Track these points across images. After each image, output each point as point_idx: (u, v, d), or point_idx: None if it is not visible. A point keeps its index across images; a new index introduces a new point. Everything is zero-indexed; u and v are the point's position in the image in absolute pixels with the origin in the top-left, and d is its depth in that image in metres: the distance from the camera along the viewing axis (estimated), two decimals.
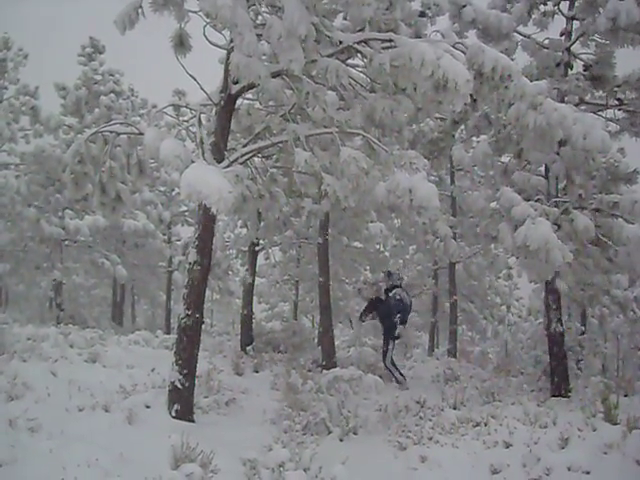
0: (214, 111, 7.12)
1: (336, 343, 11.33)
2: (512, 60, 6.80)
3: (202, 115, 6.93)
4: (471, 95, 5.71)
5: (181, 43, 6.10)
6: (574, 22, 8.83)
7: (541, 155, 8.51)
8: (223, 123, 6.79)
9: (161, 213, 19.01)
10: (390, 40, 6.04)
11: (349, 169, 5.73)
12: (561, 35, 8.97)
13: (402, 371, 9.88)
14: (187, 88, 17.29)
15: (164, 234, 19.59)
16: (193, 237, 6.91)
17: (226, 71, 6.56)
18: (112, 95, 18.10)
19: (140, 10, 5.95)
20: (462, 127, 10.73)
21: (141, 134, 6.57)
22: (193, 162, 5.43)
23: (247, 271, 12.39)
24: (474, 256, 16.25)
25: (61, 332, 10.33)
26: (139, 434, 5.83)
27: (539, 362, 10.40)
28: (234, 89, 6.67)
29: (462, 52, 5.85)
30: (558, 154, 8.35)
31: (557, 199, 8.54)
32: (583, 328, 12.64)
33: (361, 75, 6.81)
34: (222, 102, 6.78)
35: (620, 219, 8.24)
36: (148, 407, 6.59)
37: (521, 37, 9.17)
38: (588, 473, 5.28)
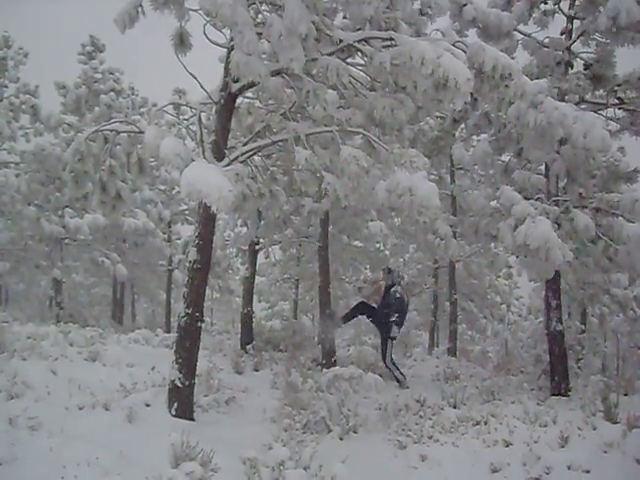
0: (214, 110, 7.11)
1: (336, 342, 11.32)
2: (512, 59, 6.81)
3: (202, 114, 6.93)
4: (471, 94, 5.71)
5: (181, 42, 6.08)
6: (574, 21, 8.84)
7: (541, 154, 8.51)
8: (223, 122, 6.78)
9: (161, 212, 19.01)
10: (390, 39, 6.03)
11: (349, 168, 5.73)
12: (561, 34, 8.97)
13: (402, 370, 9.83)
14: (187, 87, 17.41)
15: (164, 233, 19.58)
16: (193, 236, 6.91)
17: (226, 70, 6.55)
18: (112, 94, 18.06)
19: (140, 8, 5.95)
20: (462, 126, 10.76)
21: (141, 133, 6.56)
22: (193, 161, 5.42)
23: (247, 270, 12.39)
24: (474, 255, 16.23)
25: (61, 331, 10.30)
26: (139, 433, 5.83)
27: (539, 361, 10.37)
28: (234, 88, 6.66)
29: (462, 51, 5.83)
30: (558, 153, 8.36)
31: (557, 198, 8.54)
32: (583, 327, 12.66)
33: (361, 74, 6.78)
34: (222, 101, 6.77)
35: (620, 218, 8.24)
36: (148, 406, 6.59)
37: (521, 36, 9.17)
38: (588, 472, 5.29)
